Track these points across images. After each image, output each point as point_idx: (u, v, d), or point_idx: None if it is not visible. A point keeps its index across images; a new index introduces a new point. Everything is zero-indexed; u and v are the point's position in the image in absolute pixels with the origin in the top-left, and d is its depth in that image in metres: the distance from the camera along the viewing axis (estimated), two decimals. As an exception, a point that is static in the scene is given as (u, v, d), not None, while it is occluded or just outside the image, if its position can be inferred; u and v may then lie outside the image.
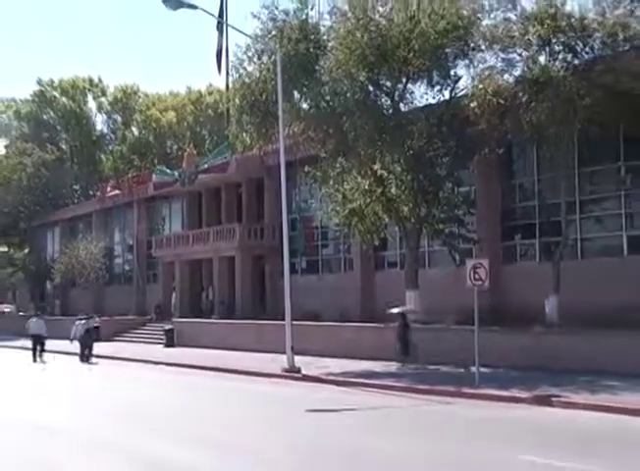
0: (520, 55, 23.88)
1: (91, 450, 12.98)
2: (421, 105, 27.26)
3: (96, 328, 36.60)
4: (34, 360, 33.82)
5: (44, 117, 71.89)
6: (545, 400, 17.04)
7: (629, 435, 13.75)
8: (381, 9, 25.96)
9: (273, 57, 25.75)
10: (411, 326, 25.31)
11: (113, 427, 15.38)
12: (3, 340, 48.31)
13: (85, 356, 33.17)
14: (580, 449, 12.03)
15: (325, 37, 26.57)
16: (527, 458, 11.25)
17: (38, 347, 34.13)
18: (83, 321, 34.27)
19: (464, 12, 25.39)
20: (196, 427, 15.16)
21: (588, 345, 21.53)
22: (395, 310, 25.89)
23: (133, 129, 74.15)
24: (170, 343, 37.82)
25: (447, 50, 25.59)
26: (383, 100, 27.08)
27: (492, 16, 24.76)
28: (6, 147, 72.80)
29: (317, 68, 25.69)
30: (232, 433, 14.47)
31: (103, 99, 73.59)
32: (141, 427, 15.40)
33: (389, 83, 26.72)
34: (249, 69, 27.15)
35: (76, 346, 33.89)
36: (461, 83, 26.68)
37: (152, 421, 16.14)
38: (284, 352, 24.92)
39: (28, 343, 41.51)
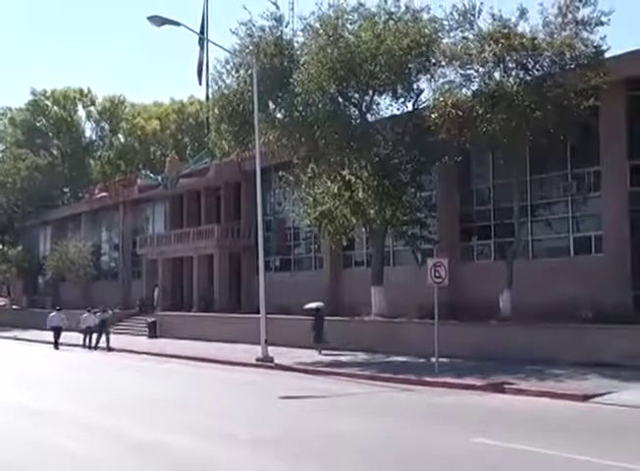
0: (477, 71, 23.95)
1: (85, 434, 12.76)
2: (386, 116, 27.38)
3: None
4: (56, 348, 34.83)
5: (37, 124, 71.39)
6: (498, 388, 17.06)
7: (571, 417, 13.81)
8: (350, 27, 26.05)
9: (250, 70, 25.63)
10: (325, 318, 26.86)
11: (108, 413, 15.07)
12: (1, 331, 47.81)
13: (96, 345, 33.94)
14: (527, 432, 12.03)
15: (298, 52, 26.55)
16: (479, 440, 11.25)
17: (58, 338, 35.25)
18: (99, 313, 34.79)
19: (426, 31, 25.51)
20: (181, 413, 14.97)
21: (537, 337, 21.67)
22: (313, 305, 27.35)
23: (120, 136, 73.83)
24: (153, 335, 37.67)
25: (410, 66, 25.70)
26: (351, 111, 27.13)
27: (451, 35, 24.88)
28: (1, 152, 72.25)
29: (291, 80, 25.65)
30: (215, 418, 14.30)
31: (92, 108, 73.25)
32: (132, 413, 15.16)
33: (357, 95, 26.75)
34: (228, 81, 27.15)
35: (78, 337, 34.80)
36: (423, 96, 26.88)
37: (141, 408, 15.88)
38: (258, 343, 24.81)
39: (22, 335, 41.22)
